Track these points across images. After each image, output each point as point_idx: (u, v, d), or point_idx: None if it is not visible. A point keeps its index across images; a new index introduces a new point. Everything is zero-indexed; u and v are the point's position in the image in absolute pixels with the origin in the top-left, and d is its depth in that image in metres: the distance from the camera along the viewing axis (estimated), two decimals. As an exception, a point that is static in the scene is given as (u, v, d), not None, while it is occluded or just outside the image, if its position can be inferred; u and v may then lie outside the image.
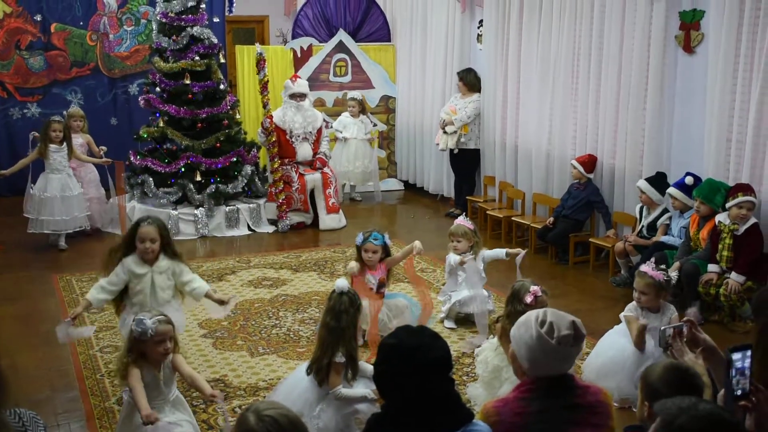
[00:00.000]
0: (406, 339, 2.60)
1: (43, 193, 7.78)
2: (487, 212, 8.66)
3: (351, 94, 10.26)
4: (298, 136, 8.72)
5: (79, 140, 8.27)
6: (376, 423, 2.61)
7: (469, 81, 9.19)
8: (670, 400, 2.13)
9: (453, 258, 5.86)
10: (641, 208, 6.76)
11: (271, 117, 8.66)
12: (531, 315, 2.79)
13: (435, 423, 2.51)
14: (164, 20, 8.59)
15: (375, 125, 10.42)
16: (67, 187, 7.83)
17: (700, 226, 6.07)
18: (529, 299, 4.32)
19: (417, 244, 5.57)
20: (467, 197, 9.33)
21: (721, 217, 5.78)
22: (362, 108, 10.06)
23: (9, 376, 2.15)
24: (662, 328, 3.04)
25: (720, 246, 5.75)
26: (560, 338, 2.69)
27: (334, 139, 9.94)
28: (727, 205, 5.73)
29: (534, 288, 4.37)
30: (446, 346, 2.63)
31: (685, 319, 3.06)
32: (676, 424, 2.07)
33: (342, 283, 4.30)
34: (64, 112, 8.41)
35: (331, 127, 9.96)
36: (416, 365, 2.51)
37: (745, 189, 5.67)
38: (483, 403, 4.41)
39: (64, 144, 7.81)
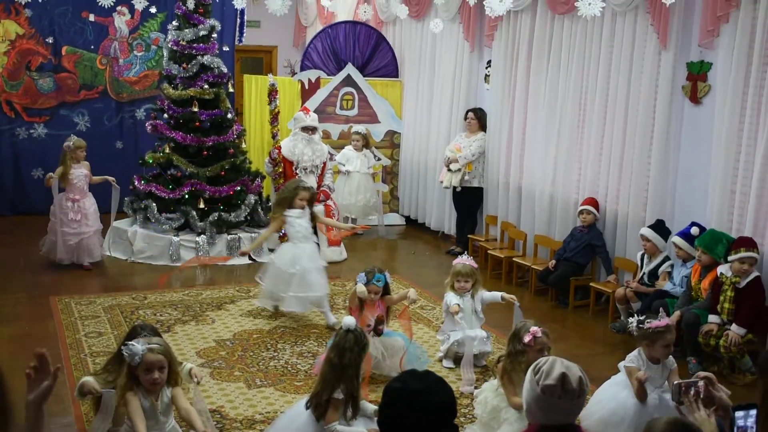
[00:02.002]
0: (412, 383, 2.58)
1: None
2: (488, 251, 8.66)
3: (355, 127, 10.26)
4: (305, 169, 8.75)
5: (83, 171, 8.11)
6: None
7: (482, 118, 9.26)
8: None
9: (451, 300, 5.84)
10: (642, 255, 6.77)
11: (279, 148, 8.70)
12: (540, 359, 2.79)
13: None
14: (175, 48, 8.67)
15: (378, 159, 10.45)
16: None
17: (702, 276, 6.07)
18: (527, 338, 4.34)
19: (411, 294, 5.59)
20: (469, 235, 9.34)
21: (723, 269, 5.78)
22: (366, 142, 10.10)
23: (14, 404, 2.13)
24: (676, 382, 3.03)
25: (721, 298, 5.75)
26: (544, 387, 2.69)
27: (337, 171, 9.96)
28: (730, 258, 5.74)
29: (534, 329, 4.37)
30: (452, 391, 2.62)
31: (702, 375, 3.05)
32: None
33: (349, 320, 4.29)
34: (70, 143, 8.04)
35: (334, 159, 9.99)
36: (421, 410, 2.50)
37: (748, 244, 5.69)
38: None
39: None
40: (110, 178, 8.30)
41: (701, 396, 2.94)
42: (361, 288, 5.51)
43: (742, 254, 5.65)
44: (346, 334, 4.17)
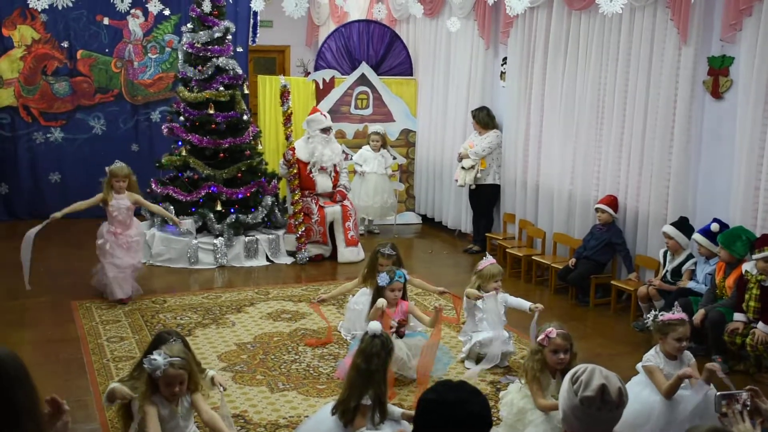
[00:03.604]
0: (446, 394, 2.55)
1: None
2: (507, 250, 8.61)
3: (373, 127, 10.19)
4: (325, 169, 8.77)
5: (125, 203, 7.03)
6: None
7: (481, 119, 9.21)
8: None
9: (467, 292, 5.84)
10: (665, 253, 6.70)
11: (293, 149, 8.69)
12: (578, 367, 2.75)
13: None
14: (190, 50, 8.66)
15: (395, 158, 10.40)
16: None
17: (726, 274, 6.01)
18: (540, 337, 4.36)
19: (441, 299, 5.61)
20: (486, 234, 9.30)
21: (749, 267, 5.71)
22: (384, 142, 10.04)
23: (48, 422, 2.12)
24: (718, 393, 2.98)
25: (747, 296, 5.69)
26: (582, 398, 2.64)
27: (353, 171, 9.93)
28: (754, 257, 5.66)
29: (549, 329, 4.35)
30: (486, 402, 2.59)
31: (748, 387, 3.00)
32: None
33: (375, 325, 4.27)
34: (107, 169, 7.11)
35: (351, 158, 9.98)
36: (456, 422, 2.47)
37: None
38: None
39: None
40: (172, 217, 7.66)
41: (748, 407, 2.89)
42: (381, 303, 5.42)
43: (766, 253, 5.57)
44: (372, 339, 4.14)
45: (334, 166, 8.98)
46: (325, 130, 8.85)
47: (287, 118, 8.71)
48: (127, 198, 7.04)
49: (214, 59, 8.60)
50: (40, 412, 2.04)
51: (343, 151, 9.44)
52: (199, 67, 8.62)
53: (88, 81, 10.67)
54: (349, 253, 8.82)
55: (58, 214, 6.27)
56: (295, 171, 8.71)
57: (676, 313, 4.62)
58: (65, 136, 10.61)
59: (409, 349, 5.46)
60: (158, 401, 3.81)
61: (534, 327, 5.19)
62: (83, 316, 6.64)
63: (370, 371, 4.02)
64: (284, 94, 8.66)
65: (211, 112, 8.54)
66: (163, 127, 9.04)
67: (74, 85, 10.61)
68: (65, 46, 10.48)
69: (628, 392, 4.62)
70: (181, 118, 8.74)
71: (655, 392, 4.57)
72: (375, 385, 4.01)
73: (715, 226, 6.21)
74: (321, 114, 8.97)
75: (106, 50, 10.71)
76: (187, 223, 6.07)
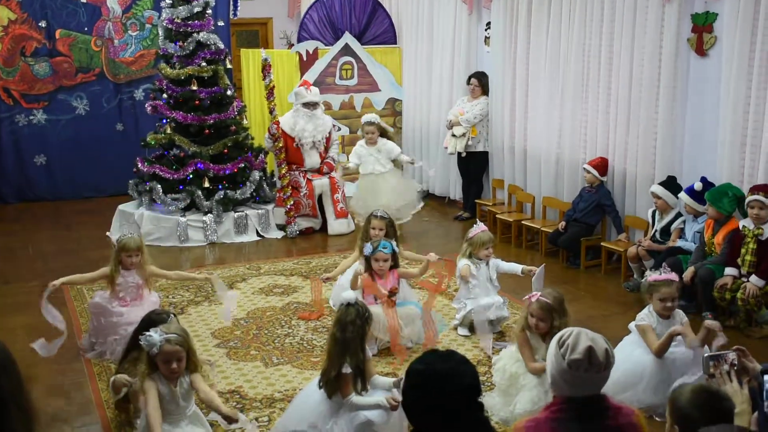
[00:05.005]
0: (435, 364, 2.56)
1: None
2: (497, 216, 8.62)
3: (367, 117, 8.61)
4: (307, 145, 8.68)
5: (134, 280, 5.50)
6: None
7: (485, 84, 9.14)
8: (712, 428, 2.09)
9: (462, 264, 5.83)
10: (654, 213, 6.73)
11: (277, 123, 8.63)
12: (564, 331, 2.77)
13: (465, 448, 2.49)
14: (170, 26, 8.55)
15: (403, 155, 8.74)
16: None
17: (715, 231, 6.03)
18: (525, 297, 4.46)
19: (431, 255, 5.60)
20: (476, 200, 9.29)
21: (746, 222, 5.75)
22: (382, 131, 8.61)
23: (36, 406, 2.11)
24: (706, 354, 3.01)
25: (743, 250, 5.72)
26: (570, 361, 2.66)
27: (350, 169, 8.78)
28: (747, 199, 5.72)
29: (536, 293, 4.41)
30: (475, 371, 2.60)
31: (735, 347, 3.02)
32: None
33: (349, 294, 4.33)
34: (115, 241, 5.55)
35: (339, 130, 9.86)
36: (445, 391, 2.48)
37: (762, 189, 5.64)
38: (499, 412, 4.45)
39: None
40: (199, 276, 6.05)
41: (735, 367, 2.91)
42: (359, 270, 5.53)
43: (750, 198, 5.64)
44: (347, 308, 4.18)
45: (326, 139, 8.90)
46: (309, 105, 8.68)
47: (270, 92, 8.63)
48: (137, 274, 5.51)
49: (195, 34, 8.49)
50: (27, 400, 2.02)
51: (334, 125, 9.29)
52: (180, 43, 8.52)
53: (69, 61, 10.53)
54: (338, 225, 8.81)
55: (57, 282, 5.33)
56: (281, 145, 8.65)
57: (663, 273, 4.67)
58: (48, 117, 10.50)
59: (401, 318, 5.48)
60: (158, 379, 3.82)
61: (539, 276, 5.17)
62: (74, 299, 6.62)
63: (346, 340, 4.06)
64: (265, 67, 8.56)
65: (195, 88, 8.45)
66: (146, 105, 8.94)
67: (54, 65, 10.48)
68: (43, 25, 10.32)
69: (616, 353, 4.73)
70: (165, 95, 8.65)
71: (647, 351, 4.62)
72: (352, 353, 4.05)
73: (698, 185, 6.23)
74: (304, 87, 8.85)
75: (85, 29, 10.55)
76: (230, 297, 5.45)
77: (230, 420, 3.76)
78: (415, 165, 9.00)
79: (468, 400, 2.51)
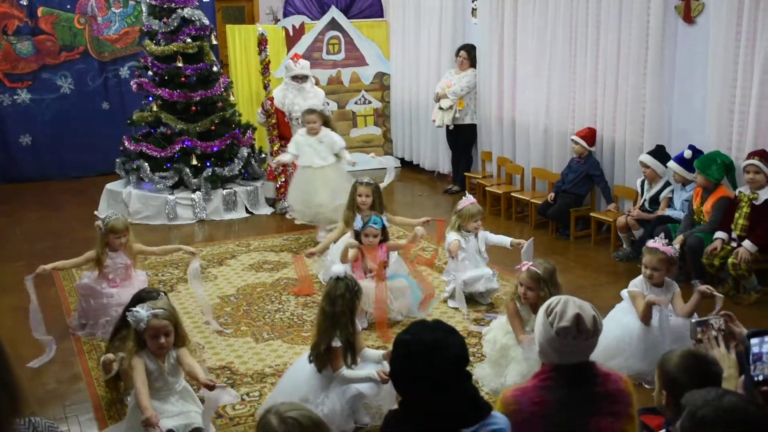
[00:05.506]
0: (422, 335, 2.55)
1: None
2: (486, 188, 8.60)
3: (307, 103, 7.79)
4: (297, 119, 8.60)
5: (122, 261, 5.45)
6: (394, 419, 2.57)
7: (474, 57, 9.07)
8: (698, 391, 2.10)
9: (451, 238, 5.81)
10: (642, 182, 6.72)
11: (272, 99, 8.56)
12: (552, 299, 2.76)
13: (453, 418, 2.48)
14: (154, 3, 8.44)
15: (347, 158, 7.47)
16: None
17: (703, 199, 6.04)
18: (516, 267, 4.48)
19: (420, 230, 5.60)
20: (465, 173, 9.27)
21: (743, 188, 5.79)
22: (325, 120, 7.47)
23: (22, 383, 2.09)
24: (693, 320, 3.01)
25: (737, 214, 5.75)
26: (558, 329, 2.66)
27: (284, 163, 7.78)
28: (743, 163, 5.74)
29: (527, 262, 4.40)
30: (463, 341, 2.59)
31: (722, 312, 3.03)
32: (698, 414, 2.05)
33: (338, 268, 4.32)
34: (101, 224, 5.41)
35: (328, 105, 9.77)
36: (432, 361, 2.47)
37: (758, 154, 5.66)
38: (489, 383, 4.46)
39: None
40: (185, 247, 5.69)
41: (722, 332, 2.92)
42: (349, 242, 5.55)
43: (744, 162, 5.66)
44: (336, 282, 4.17)
45: None
46: (297, 78, 8.57)
47: (265, 67, 8.55)
48: (125, 254, 5.46)
49: (179, 10, 8.40)
50: (14, 381, 1.99)
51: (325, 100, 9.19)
52: (164, 20, 8.42)
53: (52, 39, 10.40)
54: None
55: (47, 267, 5.25)
56: (273, 121, 8.59)
57: (657, 242, 4.68)
58: (33, 97, 10.38)
59: (391, 291, 5.48)
60: (145, 356, 3.81)
61: (529, 247, 5.15)
62: (63, 278, 6.59)
63: (336, 314, 4.06)
64: (261, 42, 8.47)
65: (180, 65, 8.37)
66: (132, 82, 8.86)
67: (37, 43, 10.34)
68: (24, 3, 10.15)
69: (606, 320, 4.75)
70: (150, 72, 8.56)
71: (636, 318, 4.65)
72: (342, 327, 4.05)
73: (688, 153, 6.22)
74: (292, 60, 8.73)
75: (68, 6, 10.40)
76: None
77: (209, 387, 3.74)
78: (354, 167, 7.64)
79: (456, 370, 2.50)
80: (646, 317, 4.56)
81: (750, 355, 2.51)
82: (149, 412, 3.59)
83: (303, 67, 8.63)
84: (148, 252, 5.80)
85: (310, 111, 7.37)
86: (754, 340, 2.51)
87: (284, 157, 7.47)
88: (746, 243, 5.58)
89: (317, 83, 9.99)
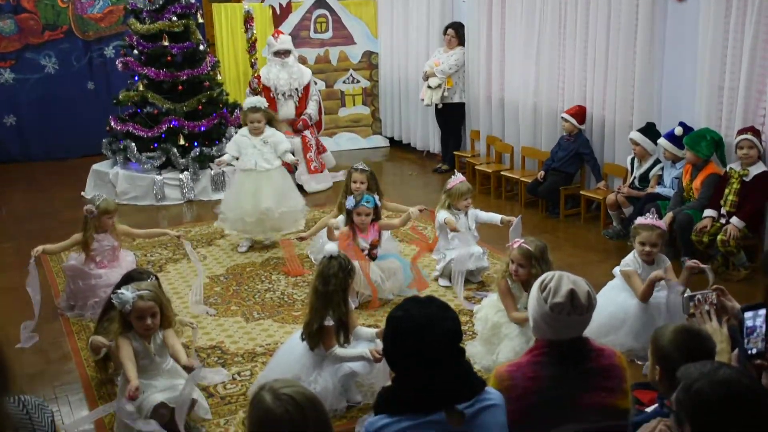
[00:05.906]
0: (415, 311, 2.53)
1: None
2: (476, 167, 8.59)
3: (251, 101, 6.77)
4: (284, 94, 8.54)
5: (110, 243, 5.38)
6: (387, 395, 2.56)
7: (462, 35, 9.02)
8: (693, 364, 2.11)
9: (444, 217, 5.79)
10: (632, 160, 6.72)
11: (258, 77, 8.49)
12: (546, 275, 2.75)
13: (447, 394, 2.48)
14: (139, -20, 8.34)
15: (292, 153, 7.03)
16: None
17: (693, 176, 6.05)
18: (507, 245, 4.48)
19: (414, 211, 5.58)
20: (454, 152, 9.25)
21: (734, 164, 5.80)
22: (269, 118, 6.73)
23: (11, 362, 2.06)
24: (686, 295, 3.01)
25: (727, 190, 5.76)
26: (552, 304, 2.66)
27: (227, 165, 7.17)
28: (736, 139, 5.74)
29: (519, 240, 4.40)
30: (456, 316, 2.58)
31: (714, 287, 3.04)
32: (694, 387, 2.06)
33: (331, 247, 4.29)
34: (93, 208, 5.26)
35: (316, 84, 9.68)
36: (424, 337, 2.46)
37: (748, 130, 5.67)
38: (481, 360, 4.47)
39: None
40: (171, 232, 5.73)
41: (715, 307, 2.92)
42: (333, 222, 5.53)
43: (737, 138, 5.67)
44: (329, 261, 4.15)
45: (305, 88, 8.76)
46: (279, 54, 8.53)
47: (252, 45, 8.47)
48: (111, 236, 5.38)
49: (164, -12, 8.29)
50: (2, 359, 1.97)
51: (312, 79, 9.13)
52: (149, -3, 8.32)
53: (35, 18, 10.25)
54: (315, 183, 8.72)
55: (39, 249, 5.16)
56: (262, 99, 8.52)
57: (649, 219, 4.69)
58: (16, 76, 10.25)
59: (383, 271, 5.47)
60: (131, 337, 3.78)
61: (517, 226, 5.16)
62: (51, 259, 6.54)
63: (329, 293, 4.04)
64: (248, 20, 8.40)
65: (166, 43, 8.28)
66: (117, 62, 8.76)
67: (20, 22, 10.19)
68: (5, -19, 10.04)
69: (599, 297, 4.74)
70: (135, 51, 8.47)
71: (631, 296, 4.65)
72: (335, 306, 4.04)
73: (678, 130, 6.22)
74: (273, 36, 8.67)
75: (50, -16, 10.27)
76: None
77: (189, 369, 3.72)
78: (298, 168, 7.49)
79: (449, 346, 2.49)
80: (646, 295, 4.55)
81: (744, 329, 2.52)
82: (135, 382, 3.59)
83: (283, 41, 8.59)
84: (134, 234, 5.77)
85: (254, 109, 6.59)
86: (747, 314, 2.52)
87: (224, 158, 6.82)
88: (734, 220, 5.60)
89: (304, 62, 9.94)
